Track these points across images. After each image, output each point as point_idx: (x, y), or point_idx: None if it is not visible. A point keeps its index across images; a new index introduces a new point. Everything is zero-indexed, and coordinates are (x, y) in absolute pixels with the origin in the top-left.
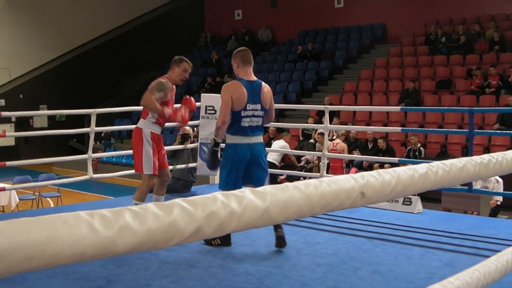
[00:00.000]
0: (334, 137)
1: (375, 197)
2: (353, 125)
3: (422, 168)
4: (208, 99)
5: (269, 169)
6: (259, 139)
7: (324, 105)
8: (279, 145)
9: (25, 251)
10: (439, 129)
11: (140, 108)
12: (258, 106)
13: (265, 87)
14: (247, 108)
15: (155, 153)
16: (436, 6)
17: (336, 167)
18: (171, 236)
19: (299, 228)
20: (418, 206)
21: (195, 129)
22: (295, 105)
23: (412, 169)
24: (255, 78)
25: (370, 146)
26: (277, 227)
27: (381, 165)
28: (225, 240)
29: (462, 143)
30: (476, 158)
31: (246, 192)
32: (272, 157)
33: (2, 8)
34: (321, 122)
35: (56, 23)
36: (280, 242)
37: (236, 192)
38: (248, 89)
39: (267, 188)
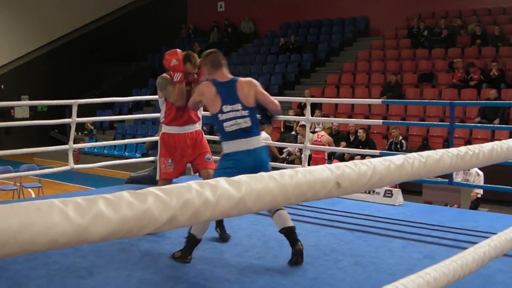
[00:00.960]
0: (317, 129)
1: (350, 188)
2: (335, 117)
3: (398, 159)
4: None
5: None
6: (258, 142)
7: (305, 97)
8: (261, 137)
9: None
10: (420, 122)
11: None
12: (238, 106)
13: (243, 82)
14: (224, 111)
15: (163, 156)
16: None
17: (318, 159)
18: (145, 224)
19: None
20: (399, 199)
21: None
22: (277, 97)
23: (388, 160)
24: (230, 77)
25: (351, 138)
26: (295, 240)
27: (363, 158)
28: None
29: (443, 136)
30: (452, 150)
31: (220, 181)
32: None
33: None
34: (303, 115)
35: (38, 13)
36: (297, 258)
37: (211, 181)
38: (220, 90)
39: (242, 177)
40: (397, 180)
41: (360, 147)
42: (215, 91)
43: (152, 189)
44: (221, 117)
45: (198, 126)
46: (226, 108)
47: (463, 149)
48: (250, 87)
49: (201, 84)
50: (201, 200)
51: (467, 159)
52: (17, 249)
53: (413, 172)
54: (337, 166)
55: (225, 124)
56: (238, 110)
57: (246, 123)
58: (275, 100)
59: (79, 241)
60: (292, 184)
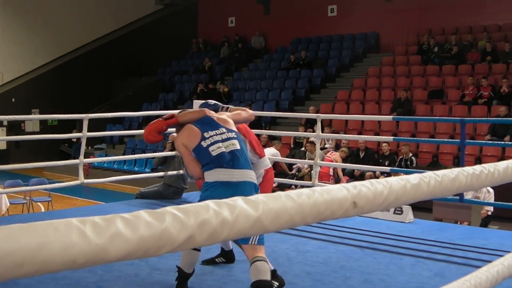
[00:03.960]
0: (327, 146)
1: (367, 207)
2: (345, 133)
3: (414, 178)
4: None
5: None
6: (248, 175)
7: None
8: (270, 153)
9: (15, 258)
10: (430, 139)
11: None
12: (222, 129)
13: (220, 114)
14: (206, 137)
15: None
16: (429, 15)
17: (323, 174)
18: (163, 244)
19: (290, 236)
20: (409, 216)
21: None
22: (287, 113)
23: (404, 179)
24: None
25: (362, 155)
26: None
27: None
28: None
29: (453, 153)
30: (468, 169)
31: (238, 200)
32: None
33: None
34: (309, 131)
35: (50, 27)
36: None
37: (228, 200)
38: (198, 124)
39: (259, 197)
40: (412, 199)
41: (380, 161)
42: (193, 125)
43: (169, 208)
44: (204, 143)
45: None
46: (208, 134)
47: (478, 167)
48: (229, 117)
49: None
50: (219, 220)
51: (483, 178)
52: (34, 269)
53: (429, 191)
54: (353, 186)
55: (209, 149)
56: (223, 133)
57: (235, 146)
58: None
59: (96, 261)
60: (309, 203)
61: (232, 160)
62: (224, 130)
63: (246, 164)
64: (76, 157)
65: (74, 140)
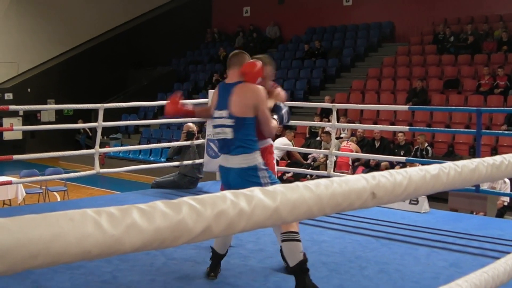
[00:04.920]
0: (342, 135)
1: (386, 198)
2: (360, 123)
3: (434, 169)
4: None
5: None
6: (237, 162)
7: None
8: (280, 142)
9: (30, 249)
10: (446, 129)
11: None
12: (224, 113)
13: (240, 87)
14: (214, 115)
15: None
16: (444, 5)
17: (342, 163)
18: (179, 235)
19: (305, 226)
20: (425, 206)
21: (204, 125)
22: (302, 103)
23: (424, 170)
24: (235, 81)
25: (377, 144)
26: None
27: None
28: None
29: (469, 143)
30: (488, 159)
31: (255, 191)
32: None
33: (10, 2)
34: (325, 120)
35: (64, 18)
36: None
37: (245, 191)
38: (220, 91)
39: (277, 187)
40: (432, 190)
41: (396, 151)
42: (217, 93)
43: (186, 199)
44: (213, 122)
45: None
46: (216, 113)
47: (498, 158)
48: (244, 92)
49: None
50: (236, 211)
51: (503, 168)
52: (49, 260)
53: (449, 182)
54: (372, 176)
55: (214, 130)
56: (222, 117)
57: (225, 135)
58: (273, 123)
59: (112, 252)
60: (327, 194)
61: (223, 147)
62: (225, 114)
63: (240, 150)
64: (88, 146)
65: (82, 131)
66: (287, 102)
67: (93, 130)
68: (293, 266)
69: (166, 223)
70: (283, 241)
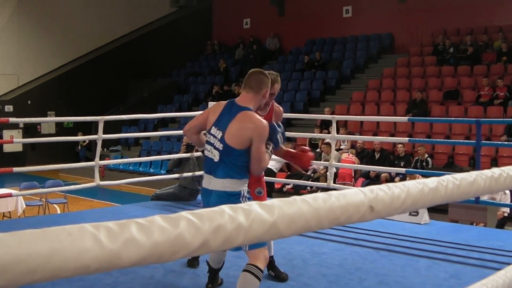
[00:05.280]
0: (342, 147)
1: (384, 211)
2: (360, 135)
3: (432, 182)
4: None
5: (266, 177)
6: (220, 185)
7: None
8: None
9: (29, 264)
10: (446, 140)
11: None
12: (219, 134)
13: (243, 115)
14: (210, 131)
15: None
16: (443, 16)
17: (345, 175)
18: (177, 249)
19: (305, 238)
20: (425, 217)
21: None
22: (302, 115)
23: (422, 183)
24: (245, 105)
25: (377, 156)
26: None
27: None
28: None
29: (469, 154)
30: (486, 172)
31: (253, 205)
32: (270, 163)
33: (11, 14)
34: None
35: (65, 30)
36: None
37: (243, 205)
38: (225, 109)
39: (275, 201)
40: (430, 203)
41: (396, 162)
42: (222, 109)
43: (184, 213)
44: (206, 137)
45: None
46: (213, 129)
47: (497, 170)
48: (246, 127)
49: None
50: (234, 225)
51: (501, 181)
52: (47, 275)
53: (447, 195)
54: (370, 190)
55: (206, 145)
56: (216, 138)
57: (214, 157)
58: (265, 161)
59: (110, 267)
60: (325, 208)
61: (211, 168)
62: (219, 135)
63: (221, 173)
64: (87, 159)
65: (83, 143)
66: (286, 114)
67: (93, 142)
68: None
69: (164, 238)
70: (246, 271)
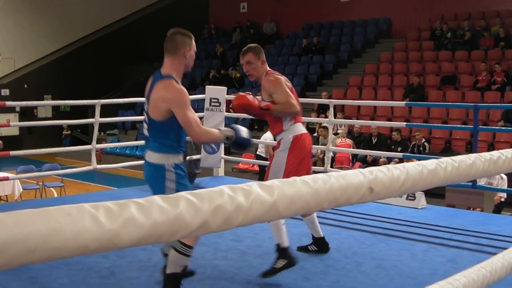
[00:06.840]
0: (339, 131)
1: (383, 193)
2: (357, 119)
3: (431, 164)
4: (213, 91)
5: (256, 161)
6: (150, 157)
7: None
8: (267, 137)
9: (27, 244)
10: (444, 125)
11: (141, 99)
12: (146, 107)
13: (159, 85)
14: (144, 105)
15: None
16: (441, 1)
17: (343, 159)
18: (177, 230)
19: (302, 222)
20: (422, 202)
21: (201, 120)
22: (300, 99)
23: (421, 165)
24: (166, 73)
25: (374, 140)
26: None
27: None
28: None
29: (466, 139)
30: (485, 155)
31: (253, 186)
32: (259, 149)
33: None
34: (322, 117)
35: (61, 14)
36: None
37: (243, 185)
38: (152, 80)
39: (275, 182)
40: (429, 185)
41: (393, 147)
42: (151, 79)
43: (183, 193)
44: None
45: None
46: (145, 103)
47: (495, 153)
48: (162, 98)
49: None
50: (234, 205)
51: (500, 164)
52: (46, 255)
53: (446, 177)
54: (370, 171)
55: None
56: (145, 110)
57: (144, 129)
58: (195, 125)
59: (109, 247)
60: (325, 189)
61: (146, 141)
62: (146, 108)
63: (154, 147)
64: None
65: (66, 132)
66: None
67: (90, 126)
68: (168, 274)
69: (163, 218)
70: (175, 249)
